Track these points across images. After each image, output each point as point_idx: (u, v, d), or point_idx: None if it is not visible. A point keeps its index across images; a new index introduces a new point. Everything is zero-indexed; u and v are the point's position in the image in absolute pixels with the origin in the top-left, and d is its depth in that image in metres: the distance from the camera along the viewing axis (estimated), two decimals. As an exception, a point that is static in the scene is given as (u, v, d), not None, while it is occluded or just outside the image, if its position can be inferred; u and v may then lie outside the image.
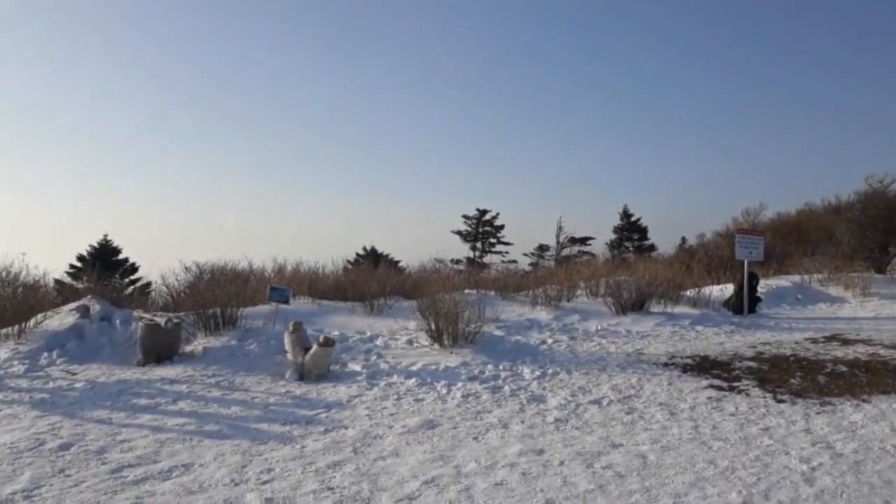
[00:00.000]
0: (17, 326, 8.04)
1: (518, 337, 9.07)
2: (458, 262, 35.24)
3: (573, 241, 39.42)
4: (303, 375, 6.69)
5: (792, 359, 7.71)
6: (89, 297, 9.20)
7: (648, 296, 11.56)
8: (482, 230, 42.45)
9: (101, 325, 8.48)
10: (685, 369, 7.20)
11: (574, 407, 5.63)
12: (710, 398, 5.90)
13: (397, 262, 23.07)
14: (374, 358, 7.60)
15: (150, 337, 7.46)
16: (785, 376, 6.74)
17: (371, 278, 12.14)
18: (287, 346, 7.10)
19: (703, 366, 7.38)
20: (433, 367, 7.08)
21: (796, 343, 8.93)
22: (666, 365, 7.45)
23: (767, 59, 75.93)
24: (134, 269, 25.73)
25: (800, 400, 5.78)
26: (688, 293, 12.85)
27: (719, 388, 6.25)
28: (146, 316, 7.91)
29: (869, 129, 68.31)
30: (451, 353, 7.71)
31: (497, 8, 77.28)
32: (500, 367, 7.11)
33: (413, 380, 6.55)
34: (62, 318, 8.46)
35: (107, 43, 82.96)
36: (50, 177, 73.19)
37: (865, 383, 6.36)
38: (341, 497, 3.65)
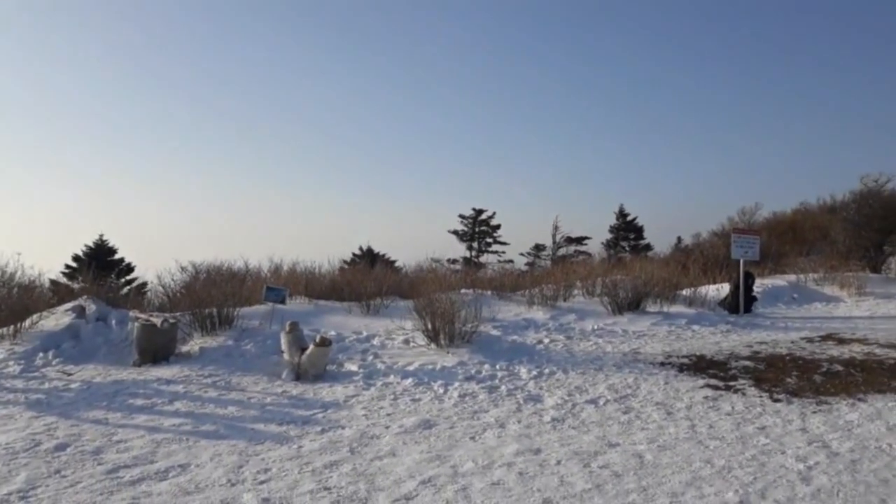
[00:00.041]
0: (12, 327, 8.01)
1: (515, 336, 9.07)
2: (454, 261, 35.15)
3: (569, 240, 39.49)
4: (299, 375, 6.68)
5: (788, 358, 7.74)
6: (85, 297, 9.18)
7: (645, 295, 11.59)
8: (478, 230, 42.49)
9: (97, 325, 8.45)
10: (681, 369, 7.21)
11: (571, 406, 5.63)
12: (706, 397, 5.91)
13: (394, 261, 23.09)
14: (370, 358, 7.59)
15: (147, 337, 7.43)
16: (781, 375, 6.76)
17: (367, 278, 12.14)
18: (284, 347, 7.08)
19: (699, 365, 7.40)
20: (430, 366, 7.07)
21: (792, 342, 8.96)
22: (662, 364, 7.47)
23: (763, 59, 76.28)
24: (130, 269, 25.56)
25: (796, 399, 5.80)
26: (684, 293, 12.89)
27: (716, 388, 6.27)
28: (142, 316, 7.88)
29: (864, 129, 68.78)
30: (448, 352, 7.71)
31: (492, 9, 77.39)
32: (497, 366, 7.11)
33: (410, 380, 6.55)
34: (58, 319, 8.43)
35: (107, 43, 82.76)
36: (48, 177, 73.02)
37: (861, 382, 6.39)
38: (338, 497, 3.65)
